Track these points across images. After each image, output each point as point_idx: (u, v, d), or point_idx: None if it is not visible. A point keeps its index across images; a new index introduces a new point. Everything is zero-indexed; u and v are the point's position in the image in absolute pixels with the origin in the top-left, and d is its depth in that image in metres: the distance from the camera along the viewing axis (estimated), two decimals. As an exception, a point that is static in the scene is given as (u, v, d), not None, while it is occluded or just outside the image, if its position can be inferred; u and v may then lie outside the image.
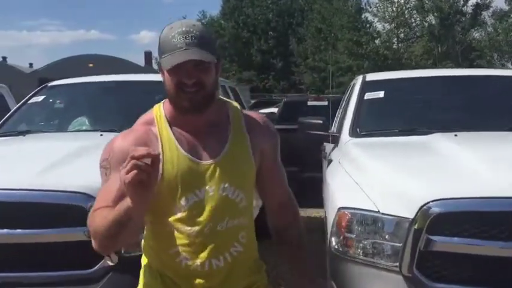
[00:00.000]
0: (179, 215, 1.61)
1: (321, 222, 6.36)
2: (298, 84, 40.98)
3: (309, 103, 9.50)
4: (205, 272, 1.64)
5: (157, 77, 5.69)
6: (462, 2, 33.21)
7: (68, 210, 2.68)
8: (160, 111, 1.68)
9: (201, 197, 1.61)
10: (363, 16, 36.00)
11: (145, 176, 1.37)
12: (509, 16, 32.64)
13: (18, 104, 4.67)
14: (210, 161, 1.63)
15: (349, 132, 3.83)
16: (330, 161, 3.85)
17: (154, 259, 1.71)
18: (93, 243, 1.56)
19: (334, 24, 35.85)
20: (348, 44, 33.18)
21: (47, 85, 4.81)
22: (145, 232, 1.74)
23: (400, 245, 2.43)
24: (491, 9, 34.15)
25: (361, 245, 2.58)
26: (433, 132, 3.44)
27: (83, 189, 2.66)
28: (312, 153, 6.16)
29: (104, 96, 4.72)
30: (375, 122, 4.05)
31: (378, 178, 2.81)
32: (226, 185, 1.63)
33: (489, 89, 4.21)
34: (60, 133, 4.17)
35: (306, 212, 7.45)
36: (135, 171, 1.36)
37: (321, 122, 4.24)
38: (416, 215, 2.39)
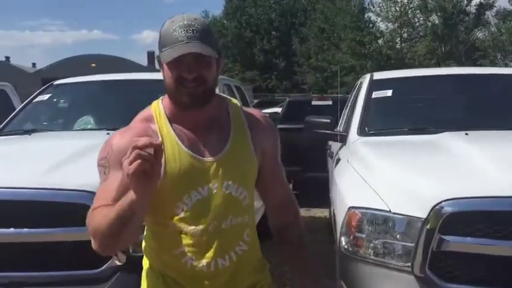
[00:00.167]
0: (182, 214, 1.58)
1: (326, 222, 6.37)
2: (300, 84, 40.97)
3: (313, 103, 9.50)
4: (211, 272, 1.61)
5: (162, 76, 5.72)
6: (466, 2, 33.13)
7: (75, 208, 2.64)
8: (159, 107, 1.64)
9: (204, 194, 1.58)
10: (366, 16, 35.95)
11: (148, 165, 1.34)
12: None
13: (24, 103, 4.65)
14: (212, 158, 1.60)
15: (357, 131, 3.80)
16: (337, 160, 3.82)
17: (157, 260, 1.67)
18: (93, 243, 1.53)
19: (337, 24, 35.81)
20: (351, 43, 33.14)
21: (52, 84, 4.79)
22: (145, 233, 1.71)
23: (412, 244, 2.40)
24: (495, 9, 34.11)
25: (371, 244, 2.56)
26: (443, 131, 3.40)
27: (90, 187, 2.62)
28: (317, 153, 6.14)
29: (110, 94, 4.70)
30: (383, 120, 4.02)
31: (388, 177, 2.77)
32: (230, 183, 1.60)
33: (498, 88, 4.17)
34: (66, 132, 4.15)
35: (310, 212, 7.44)
36: (138, 161, 1.33)
37: (328, 121, 4.21)
38: (428, 214, 2.36)
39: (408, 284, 2.42)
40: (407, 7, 34.14)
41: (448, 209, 2.33)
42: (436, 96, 4.26)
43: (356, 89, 5.01)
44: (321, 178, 5.97)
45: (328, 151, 5.29)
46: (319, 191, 6.17)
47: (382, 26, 35.42)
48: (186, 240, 1.59)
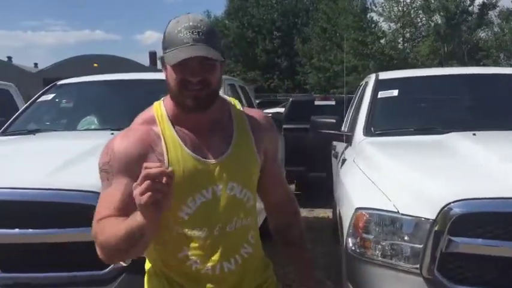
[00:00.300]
0: (187, 217, 1.55)
1: (329, 222, 6.35)
2: (303, 84, 40.92)
3: (316, 103, 9.49)
4: (216, 276, 1.59)
5: (161, 76, 5.70)
6: (469, 2, 33.07)
7: (81, 209, 2.62)
8: (161, 109, 1.61)
9: (208, 197, 1.56)
10: (368, 16, 35.88)
11: (160, 196, 1.32)
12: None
13: (28, 103, 4.64)
14: (216, 160, 1.57)
15: (363, 131, 3.78)
16: (343, 161, 3.80)
17: (160, 264, 1.65)
18: (99, 253, 1.51)
19: (339, 24, 35.76)
20: (353, 43, 33.09)
21: (56, 84, 4.78)
22: None
23: (420, 246, 2.38)
24: (498, 8, 34.04)
25: (379, 246, 2.53)
26: (450, 132, 3.38)
27: (96, 188, 2.60)
28: (321, 153, 6.12)
29: (113, 94, 4.68)
30: (389, 121, 4.01)
31: (395, 178, 2.76)
32: (234, 184, 1.58)
33: (505, 88, 4.15)
34: (70, 132, 4.14)
35: (313, 212, 7.43)
36: (150, 193, 1.30)
37: (333, 121, 4.19)
38: (437, 215, 2.33)
39: (417, 285, 2.40)
40: (409, 7, 34.11)
41: (457, 210, 2.31)
42: (442, 96, 4.24)
43: (361, 89, 4.99)
44: (325, 178, 5.97)
45: (333, 151, 5.27)
46: (323, 191, 6.16)
47: (385, 26, 35.41)
48: (191, 244, 1.57)
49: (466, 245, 2.31)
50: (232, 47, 42.54)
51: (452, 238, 2.29)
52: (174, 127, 1.58)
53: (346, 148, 4.03)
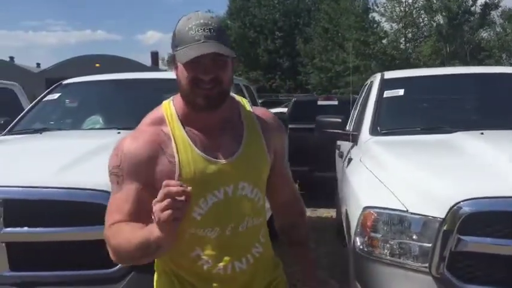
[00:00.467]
0: (199, 218, 1.55)
1: (332, 222, 6.35)
2: (304, 84, 40.90)
3: (319, 103, 9.50)
4: (228, 276, 1.59)
5: (171, 75, 5.70)
6: (471, 2, 33.04)
7: (89, 208, 2.63)
8: (170, 108, 1.59)
9: (220, 197, 1.55)
10: (370, 16, 35.86)
11: (180, 214, 1.33)
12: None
13: (33, 102, 4.65)
14: (226, 160, 1.56)
15: (369, 131, 3.78)
16: (349, 160, 3.80)
17: (171, 263, 1.64)
18: (112, 256, 1.51)
19: (341, 24, 35.74)
20: (355, 43, 33.06)
21: (61, 83, 4.78)
22: None
23: (429, 245, 2.38)
24: (500, 9, 34.00)
25: (387, 245, 2.53)
26: (456, 131, 3.38)
27: (104, 186, 2.61)
28: (325, 153, 6.12)
29: (119, 94, 4.69)
30: (395, 120, 4.00)
31: (403, 177, 2.75)
32: (245, 184, 1.58)
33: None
34: (77, 131, 4.14)
35: (317, 212, 7.43)
36: (170, 212, 1.30)
37: (339, 120, 4.19)
38: (446, 214, 2.33)
39: (426, 284, 2.39)
40: (411, 7, 34.08)
41: (466, 209, 2.31)
42: (448, 95, 4.24)
43: (366, 88, 4.98)
44: (329, 178, 5.96)
45: (338, 151, 5.27)
46: (327, 191, 6.16)
47: (387, 26, 35.38)
48: (203, 244, 1.57)
49: (475, 243, 2.31)
50: (234, 47, 42.49)
51: (462, 237, 2.29)
52: (184, 127, 1.56)
53: (352, 147, 4.03)
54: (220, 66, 1.50)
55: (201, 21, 1.49)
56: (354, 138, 3.98)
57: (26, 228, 2.62)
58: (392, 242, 2.51)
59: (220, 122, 1.59)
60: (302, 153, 7.11)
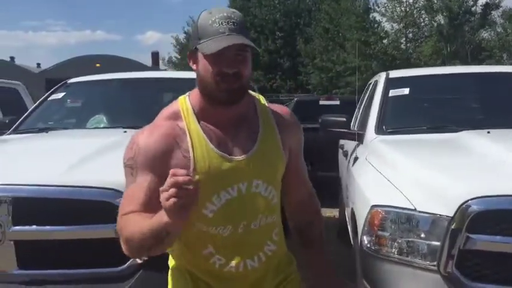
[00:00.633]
0: (211, 215, 1.54)
1: (335, 221, 6.35)
2: (305, 84, 40.89)
3: (321, 102, 9.51)
4: (239, 273, 1.59)
5: (176, 74, 5.68)
6: (471, 2, 33.06)
7: (97, 206, 2.64)
8: (186, 103, 1.59)
9: (233, 194, 1.55)
10: (370, 16, 35.85)
11: (187, 201, 1.32)
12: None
13: (38, 102, 4.65)
14: (241, 157, 1.56)
15: (375, 130, 3.78)
16: (355, 159, 3.80)
17: (184, 260, 1.65)
18: (124, 249, 1.51)
19: (341, 24, 35.73)
20: (355, 44, 33.06)
21: (66, 82, 4.79)
22: None
23: (437, 243, 2.38)
24: (501, 9, 34.01)
25: (395, 243, 2.53)
26: (463, 130, 3.38)
27: (112, 185, 2.62)
28: (328, 152, 6.12)
29: (123, 93, 4.70)
30: (401, 119, 4.00)
31: (410, 175, 2.75)
32: (259, 182, 1.57)
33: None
34: (83, 130, 4.14)
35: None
36: (175, 200, 1.29)
37: (344, 119, 4.19)
38: (455, 213, 2.33)
39: (434, 283, 2.39)
40: (412, 7, 34.08)
41: (475, 208, 2.30)
42: (453, 94, 4.24)
43: (370, 87, 4.99)
44: (332, 178, 5.96)
45: (341, 150, 5.27)
46: (331, 190, 6.16)
47: (387, 26, 35.39)
48: (214, 241, 1.57)
49: (484, 242, 2.31)
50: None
51: (470, 235, 2.29)
52: (199, 122, 1.56)
53: (357, 146, 4.03)
54: (241, 60, 1.50)
55: (224, 14, 1.50)
56: (359, 137, 3.98)
57: (34, 227, 2.62)
58: (400, 241, 2.51)
59: (236, 118, 1.59)
60: (304, 153, 7.09)
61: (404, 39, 35.29)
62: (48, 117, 4.43)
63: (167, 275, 1.83)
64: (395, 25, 34.93)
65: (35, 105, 4.72)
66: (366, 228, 2.68)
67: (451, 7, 32.00)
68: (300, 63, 41.07)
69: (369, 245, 2.64)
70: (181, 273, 1.66)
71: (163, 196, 1.31)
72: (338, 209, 5.94)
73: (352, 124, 5.19)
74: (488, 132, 3.25)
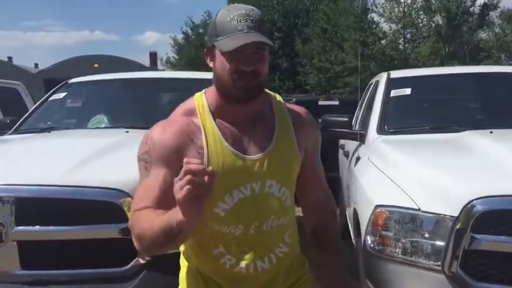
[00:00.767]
0: (223, 214, 1.53)
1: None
2: (303, 84, 40.91)
3: (320, 103, 9.50)
4: (250, 275, 1.57)
5: (176, 74, 5.67)
6: (470, 3, 33.14)
7: (100, 206, 2.63)
8: (202, 100, 1.58)
9: (246, 193, 1.53)
10: (369, 16, 35.91)
11: (201, 191, 1.27)
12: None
13: (39, 102, 4.64)
14: (256, 156, 1.54)
15: (377, 130, 3.78)
16: (357, 159, 3.80)
17: (196, 260, 1.63)
18: (136, 244, 1.48)
19: (340, 24, 35.76)
20: (354, 44, 33.11)
21: (67, 82, 4.78)
22: None
23: (441, 243, 2.37)
24: (499, 9, 34.10)
25: (399, 243, 2.53)
26: (465, 130, 3.38)
27: (115, 185, 2.62)
28: (328, 153, 6.12)
29: (124, 93, 4.69)
30: (402, 119, 4.00)
31: (414, 175, 2.75)
32: (273, 182, 1.55)
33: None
34: (85, 130, 4.13)
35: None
36: (189, 187, 1.25)
37: (346, 119, 4.19)
38: (460, 213, 2.32)
39: (438, 283, 2.38)
40: (410, 8, 34.16)
41: (479, 208, 2.30)
42: (455, 95, 4.24)
43: (371, 88, 4.99)
44: (332, 178, 5.96)
45: (342, 150, 5.27)
46: (331, 191, 6.15)
47: (386, 26, 35.45)
48: (225, 241, 1.55)
49: (488, 242, 2.30)
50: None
51: (475, 235, 2.29)
52: (215, 120, 1.55)
53: (359, 146, 4.03)
54: (259, 58, 1.49)
55: (243, 11, 1.49)
56: (361, 137, 3.98)
57: (37, 227, 2.60)
58: (404, 241, 2.51)
59: (252, 116, 1.57)
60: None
61: (402, 39, 35.38)
62: (49, 117, 4.41)
63: (171, 275, 1.82)
64: (393, 25, 35.04)
65: (36, 105, 4.71)
66: (369, 228, 2.67)
67: (449, 8, 32.09)
68: (298, 64, 41.08)
69: (372, 245, 2.64)
70: (193, 274, 1.65)
71: (177, 186, 1.27)
72: (339, 209, 5.92)
73: (353, 124, 5.19)
74: (491, 132, 3.25)
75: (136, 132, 3.66)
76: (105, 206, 2.59)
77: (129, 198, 2.55)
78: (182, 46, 46.80)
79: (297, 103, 10.25)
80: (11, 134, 4.16)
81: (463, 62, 29.68)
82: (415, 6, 34.28)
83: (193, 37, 45.89)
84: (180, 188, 1.26)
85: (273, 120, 1.61)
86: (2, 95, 6.10)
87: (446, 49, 33.06)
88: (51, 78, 22.52)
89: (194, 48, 43.37)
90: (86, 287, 2.61)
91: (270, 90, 1.68)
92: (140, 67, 29.02)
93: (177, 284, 1.72)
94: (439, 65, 30.76)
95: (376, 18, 35.70)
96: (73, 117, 4.56)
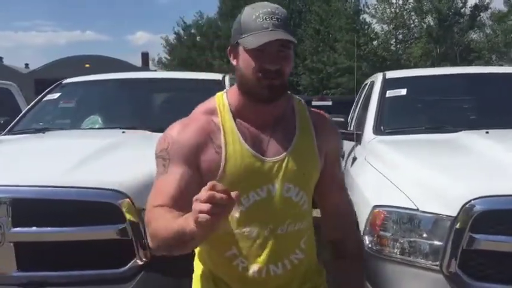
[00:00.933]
0: (237, 215, 1.50)
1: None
2: (295, 85, 40.95)
3: (313, 103, 9.53)
4: (263, 279, 1.54)
5: (171, 75, 5.65)
6: (461, 4, 33.36)
7: (98, 207, 2.61)
8: (223, 100, 1.56)
9: (262, 196, 1.50)
10: (361, 17, 36.04)
11: (217, 220, 1.20)
12: (508, 17, 32.81)
13: (33, 102, 4.61)
14: (274, 158, 1.51)
15: (373, 130, 3.79)
16: (353, 159, 3.80)
17: (209, 262, 1.61)
18: (150, 242, 1.46)
19: (332, 25, 35.85)
20: (346, 45, 33.21)
21: (61, 82, 4.75)
22: None
23: (439, 243, 2.38)
24: (490, 10, 34.33)
25: (397, 244, 2.53)
26: (461, 130, 3.40)
27: (113, 185, 2.60)
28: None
29: (119, 93, 4.67)
30: (398, 119, 4.01)
31: (411, 175, 2.75)
32: (291, 186, 1.52)
33: (513, 86, 4.17)
34: (81, 130, 4.11)
35: (314, 212, 7.44)
36: (207, 217, 1.17)
37: (342, 119, 4.20)
38: (458, 213, 2.33)
39: (437, 282, 2.39)
40: (402, 9, 34.32)
41: (478, 208, 2.30)
42: (450, 95, 4.26)
43: (367, 88, 5.00)
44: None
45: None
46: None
47: (377, 27, 35.60)
48: (239, 243, 1.52)
49: (487, 242, 2.31)
50: (225, 49, 42.49)
51: (474, 235, 2.29)
52: (235, 120, 1.53)
53: (355, 147, 4.03)
54: (283, 57, 1.47)
55: (268, 9, 1.47)
56: (357, 138, 3.98)
57: (34, 228, 2.58)
58: (402, 241, 2.51)
59: (273, 118, 1.55)
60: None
61: (394, 40, 35.52)
62: (43, 117, 4.38)
63: (168, 277, 1.81)
64: (385, 26, 35.15)
65: (30, 105, 4.67)
66: (367, 229, 2.67)
67: (440, 9, 32.28)
68: (291, 64, 41.09)
69: (370, 245, 2.63)
70: (207, 279, 1.63)
71: (195, 207, 1.21)
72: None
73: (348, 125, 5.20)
74: (487, 132, 3.27)
75: (133, 133, 3.65)
76: (102, 207, 2.57)
77: (128, 200, 2.53)
78: (174, 46, 46.68)
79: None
80: (4, 134, 4.12)
81: (454, 63, 29.86)
82: (406, 7, 34.47)
83: (185, 37, 45.80)
84: (199, 211, 1.20)
85: (294, 123, 1.58)
86: (-5, 95, 6.05)
87: (438, 50, 33.25)
88: (42, 79, 22.36)
89: (186, 49, 43.33)
90: (83, 289, 2.59)
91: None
92: (132, 68, 28.86)
93: (175, 285, 1.70)
94: (430, 65, 30.88)
95: (368, 19, 35.88)
96: (67, 117, 4.52)
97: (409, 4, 34.27)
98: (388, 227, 2.57)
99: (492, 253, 2.33)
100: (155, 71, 32.55)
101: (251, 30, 1.45)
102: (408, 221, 2.51)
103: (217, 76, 4.62)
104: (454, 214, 2.34)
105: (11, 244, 2.56)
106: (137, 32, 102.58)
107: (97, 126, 4.16)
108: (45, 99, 4.51)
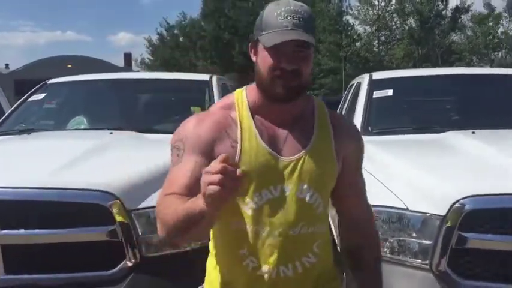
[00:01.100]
0: (250, 212, 1.47)
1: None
2: (279, 86, 41.02)
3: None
4: (272, 280, 1.50)
5: (156, 75, 5.63)
6: (442, 6, 33.76)
7: (86, 208, 2.58)
8: (242, 96, 1.55)
9: (276, 195, 1.47)
10: (344, 19, 36.24)
11: (227, 194, 1.20)
12: (488, 19, 33.31)
13: (17, 103, 4.53)
14: (290, 158, 1.49)
15: (361, 131, 3.78)
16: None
17: (221, 263, 1.59)
18: (159, 230, 1.44)
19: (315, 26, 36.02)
20: (329, 46, 33.36)
21: (46, 83, 4.69)
22: (212, 230, 1.59)
23: (429, 242, 2.40)
24: (471, 12, 34.82)
25: (387, 243, 2.55)
26: (448, 130, 3.44)
27: (100, 186, 2.57)
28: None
29: (104, 94, 4.62)
30: (386, 120, 4.03)
31: (400, 175, 2.78)
32: (305, 187, 1.48)
33: (499, 87, 4.22)
34: (67, 131, 4.06)
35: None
36: (217, 188, 1.18)
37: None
38: (447, 212, 2.35)
39: (426, 281, 2.41)
40: (384, 10, 34.61)
41: (468, 207, 2.33)
42: (437, 96, 4.30)
43: (353, 89, 5.02)
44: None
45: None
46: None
47: (360, 29, 35.85)
48: (250, 241, 1.49)
49: (476, 240, 2.34)
50: (209, 49, 42.41)
51: (463, 234, 2.32)
52: (253, 117, 1.51)
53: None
54: (302, 57, 1.44)
55: (291, 7, 1.44)
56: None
57: (22, 230, 2.54)
58: (391, 240, 2.53)
59: (291, 117, 1.53)
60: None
61: (376, 41, 35.79)
62: (28, 118, 4.32)
63: (158, 278, 1.78)
64: (367, 28, 35.42)
65: (14, 106, 4.60)
66: (356, 228, 2.68)
67: (422, 11, 32.64)
68: (275, 65, 41.11)
69: (359, 245, 2.65)
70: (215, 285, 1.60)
71: (205, 179, 1.21)
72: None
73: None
74: (473, 132, 3.31)
75: (121, 134, 3.62)
76: (91, 208, 2.55)
77: (117, 201, 2.51)
78: (157, 47, 46.47)
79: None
80: (-12, 136, 4.05)
81: (436, 64, 30.20)
82: (388, 9, 34.77)
83: (168, 38, 45.61)
84: (209, 183, 1.20)
85: (312, 123, 1.55)
86: (-23, 96, 5.93)
87: (420, 51, 33.59)
88: (22, 79, 22.07)
89: (169, 49, 43.14)
90: (72, 291, 2.56)
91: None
92: (114, 68, 28.63)
93: (165, 287, 1.67)
94: (412, 67, 31.22)
95: (351, 20, 36.12)
96: (52, 118, 4.47)
97: (391, 6, 34.59)
98: (377, 226, 2.58)
99: (481, 251, 2.36)
100: (138, 71, 32.38)
101: (271, 28, 1.43)
102: (398, 220, 2.52)
103: (205, 77, 4.60)
104: (443, 213, 2.36)
105: None
106: (119, 33, 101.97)
107: (82, 127, 4.12)
108: (29, 99, 4.45)
